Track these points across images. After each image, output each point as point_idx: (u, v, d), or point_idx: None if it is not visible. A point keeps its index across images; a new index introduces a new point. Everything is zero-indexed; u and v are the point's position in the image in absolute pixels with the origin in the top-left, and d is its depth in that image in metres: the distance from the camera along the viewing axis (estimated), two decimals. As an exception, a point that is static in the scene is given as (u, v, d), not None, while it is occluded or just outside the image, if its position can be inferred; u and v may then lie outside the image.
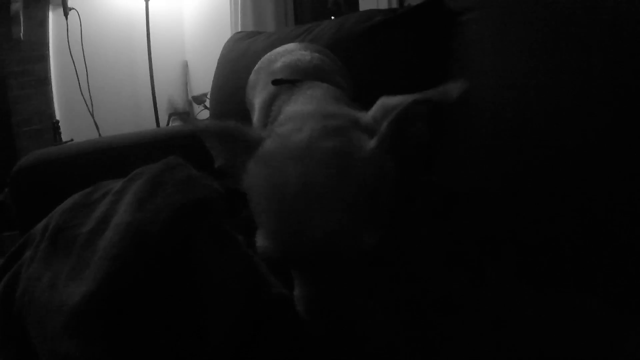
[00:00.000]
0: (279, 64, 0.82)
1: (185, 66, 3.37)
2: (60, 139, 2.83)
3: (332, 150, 0.44)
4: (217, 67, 1.51)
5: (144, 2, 2.94)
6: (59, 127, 2.85)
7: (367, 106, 0.55)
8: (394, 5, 1.87)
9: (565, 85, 0.78)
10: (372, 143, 0.47)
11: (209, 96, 2.63)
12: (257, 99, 0.81)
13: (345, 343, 0.46)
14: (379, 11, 1.16)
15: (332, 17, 2.57)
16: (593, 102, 0.74)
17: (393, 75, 1.07)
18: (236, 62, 1.40)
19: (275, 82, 0.73)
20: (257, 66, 0.95)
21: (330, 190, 0.42)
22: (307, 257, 0.44)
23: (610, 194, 0.69)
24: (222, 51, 1.55)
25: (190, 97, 3.19)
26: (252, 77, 0.95)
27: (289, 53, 0.87)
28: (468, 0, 1.05)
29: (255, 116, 0.80)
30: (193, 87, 3.31)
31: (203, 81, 3.10)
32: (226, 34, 2.45)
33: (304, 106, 0.58)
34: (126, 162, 1.25)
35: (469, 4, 1.03)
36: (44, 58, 2.92)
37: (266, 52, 1.28)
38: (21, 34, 2.81)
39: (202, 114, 2.78)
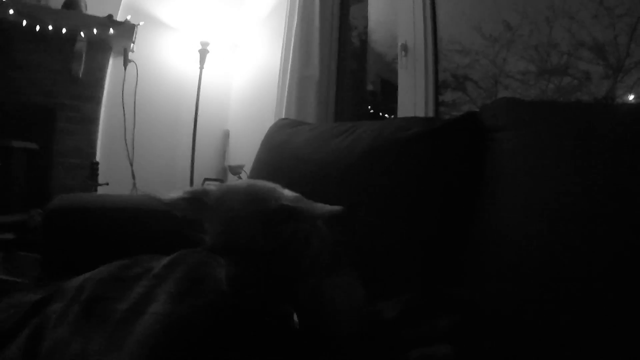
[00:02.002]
0: None
1: (227, 135, 3.52)
2: (97, 180, 2.93)
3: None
4: (260, 151, 1.60)
5: (199, 69, 3.14)
6: (97, 169, 2.96)
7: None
8: (431, 106, 1.95)
9: (596, 212, 0.80)
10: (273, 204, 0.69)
11: (245, 169, 2.73)
12: None
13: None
14: (417, 120, 1.24)
15: (369, 107, 2.73)
16: (629, 232, 0.75)
17: (428, 182, 1.13)
18: (278, 150, 1.49)
19: None
20: None
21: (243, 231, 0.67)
22: (230, 250, 0.68)
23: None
24: (266, 134, 1.64)
25: (226, 165, 3.31)
26: None
27: None
28: (502, 118, 1.09)
29: None
30: (231, 155, 3.44)
31: (241, 152, 3.22)
32: (269, 113, 2.60)
33: None
34: (154, 224, 1.32)
35: (503, 123, 1.08)
36: (96, 99, 3.11)
37: (309, 144, 1.38)
38: (80, 72, 3.02)
39: (236, 183, 2.86)
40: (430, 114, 1.95)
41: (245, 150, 2.98)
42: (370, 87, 2.80)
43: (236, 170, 2.76)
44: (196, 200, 0.73)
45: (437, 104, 2.01)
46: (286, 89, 2.42)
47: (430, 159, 1.14)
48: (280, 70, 2.55)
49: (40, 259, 1.30)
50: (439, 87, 2.04)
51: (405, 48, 2.05)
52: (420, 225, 1.11)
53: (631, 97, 1.49)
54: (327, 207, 0.69)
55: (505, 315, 0.85)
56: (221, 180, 3.14)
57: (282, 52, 2.57)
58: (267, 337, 0.71)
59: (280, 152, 1.48)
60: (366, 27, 2.74)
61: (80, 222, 1.28)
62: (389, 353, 0.77)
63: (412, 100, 2.00)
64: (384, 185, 1.17)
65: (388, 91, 2.36)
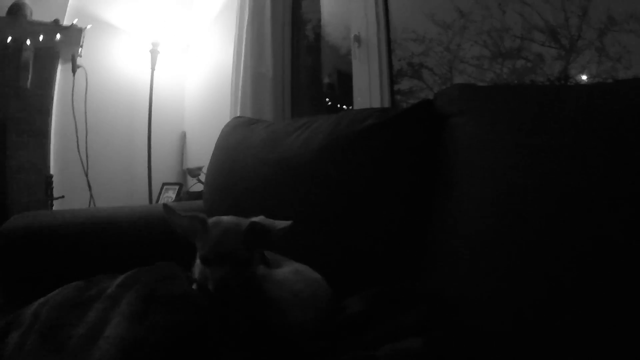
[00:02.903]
0: None
1: (183, 137, 3.45)
2: (52, 194, 2.83)
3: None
4: (214, 153, 1.56)
5: (150, 71, 3.05)
6: (52, 182, 2.86)
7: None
8: (386, 96, 1.95)
9: (551, 191, 0.80)
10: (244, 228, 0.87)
11: (203, 170, 2.67)
12: None
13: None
14: (372, 111, 1.21)
15: (327, 100, 2.71)
16: (590, 202, 0.74)
17: (385, 175, 1.12)
18: (233, 150, 1.45)
19: None
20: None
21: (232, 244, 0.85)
22: (218, 257, 0.84)
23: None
24: (220, 135, 1.59)
25: (184, 168, 3.23)
26: None
27: None
28: (458, 104, 1.09)
29: None
30: (189, 158, 3.37)
31: (199, 154, 3.16)
32: (225, 112, 2.55)
33: None
34: (114, 238, 1.29)
35: (459, 109, 1.07)
36: (46, 110, 2.97)
37: (264, 143, 1.35)
38: (28, 83, 2.88)
39: (195, 187, 2.80)
40: (386, 103, 1.94)
41: (203, 152, 2.90)
42: (327, 80, 2.77)
43: (195, 173, 2.70)
44: (198, 221, 0.88)
45: (393, 93, 2.01)
46: (240, 88, 2.37)
47: (386, 150, 1.12)
48: (233, 68, 2.51)
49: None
50: (394, 76, 2.04)
51: (358, 39, 2.03)
52: (379, 219, 1.10)
53: (584, 77, 1.52)
54: (285, 223, 0.89)
55: (466, 310, 0.84)
56: (180, 185, 3.06)
57: (234, 51, 2.52)
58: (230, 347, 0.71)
59: (236, 153, 1.43)
60: (320, 20, 2.71)
61: (35, 243, 1.23)
62: (356, 351, 0.76)
63: (368, 91, 1.99)
64: (340, 181, 1.16)
65: (345, 83, 2.35)
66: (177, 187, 3.00)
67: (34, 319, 0.76)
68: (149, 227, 1.36)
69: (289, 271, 0.97)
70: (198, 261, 0.92)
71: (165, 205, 0.92)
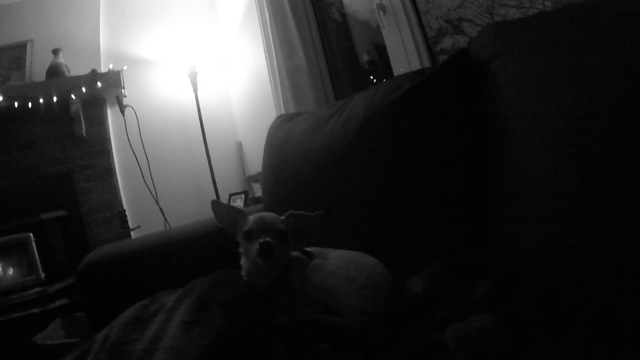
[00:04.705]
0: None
1: (240, 147, 3.52)
2: (128, 226, 3.01)
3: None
4: (264, 154, 1.58)
5: (193, 93, 3.14)
6: (125, 215, 3.04)
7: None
8: (425, 59, 1.88)
9: (607, 127, 0.73)
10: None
11: (264, 174, 2.72)
12: None
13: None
14: (406, 76, 1.17)
15: (371, 77, 2.66)
16: None
17: (431, 138, 1.07)
18: (280, 148, 1.46)
19: None
20: None
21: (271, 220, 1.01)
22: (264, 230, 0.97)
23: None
24: (267, 135, 1.61)
25: (247, 176, 3.30)
26: None
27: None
28: (492, 47, 1.03)
29: None
30: (249, 165, 3.44)
31: (257, 159, 3.21)
32: (271, 112, 2.57)
33: None
34: (184, 254, 1.34)
35: (495, 51, 1.01)
36: (106, 152, 3.19)
37: (306, 134, 1.35)
38: (83, 131, 3.12)
39: (260, 192, 2.86)
40: (427, 65, 1.87)
41: (261, 157, 2.95)
42: (366, 57, 2.72)
43: (256, 178, 2.76)
44: (238, 212, 1.06)
45: (433, 54, 1.93)
46: (278, 86, 2.39)
47: (427, 112, 1.08)
48: (268, 69, 2.52)
49: (85, 316, 1.33)
50: (435, 36, 1.96)
51: (382, 7, 1.97)
52: (431, 185, 1.06)
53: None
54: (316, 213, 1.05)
55: (540, 265, 0.79)
56: (246, 192, 3.14)
57: (264, 51, 2.54)
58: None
59: (283, 149, 1.45)
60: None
61: (107, 273, 1.30)
62: (420, 334, 0.71)
63: (404, 57, 1.93)
64: (386, 153, 1.12)
65: (385, 56, 2.29)
66: (243, 195, 3.07)
67: (105, 340, 0.80)
68: (212, 239, 1.38)
69: (342, 260, 0.95)
70: (243, 259, 1.03)
71: (212, 201, 1.06)
